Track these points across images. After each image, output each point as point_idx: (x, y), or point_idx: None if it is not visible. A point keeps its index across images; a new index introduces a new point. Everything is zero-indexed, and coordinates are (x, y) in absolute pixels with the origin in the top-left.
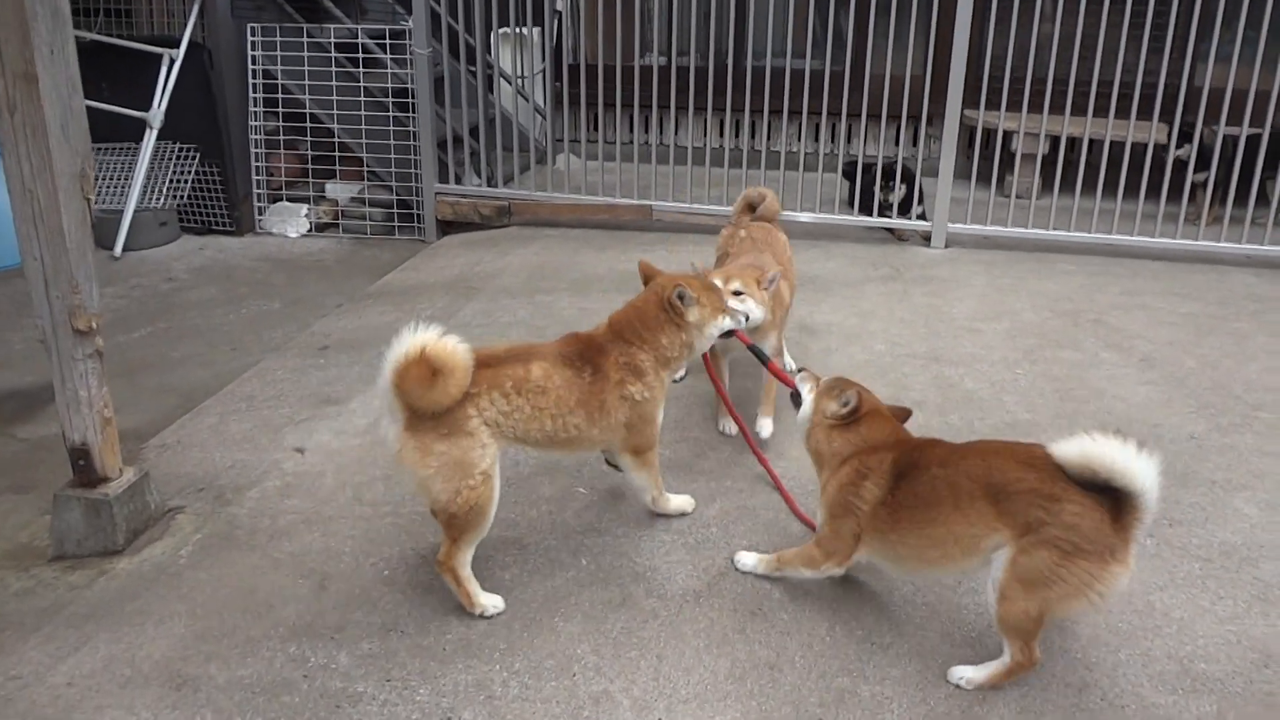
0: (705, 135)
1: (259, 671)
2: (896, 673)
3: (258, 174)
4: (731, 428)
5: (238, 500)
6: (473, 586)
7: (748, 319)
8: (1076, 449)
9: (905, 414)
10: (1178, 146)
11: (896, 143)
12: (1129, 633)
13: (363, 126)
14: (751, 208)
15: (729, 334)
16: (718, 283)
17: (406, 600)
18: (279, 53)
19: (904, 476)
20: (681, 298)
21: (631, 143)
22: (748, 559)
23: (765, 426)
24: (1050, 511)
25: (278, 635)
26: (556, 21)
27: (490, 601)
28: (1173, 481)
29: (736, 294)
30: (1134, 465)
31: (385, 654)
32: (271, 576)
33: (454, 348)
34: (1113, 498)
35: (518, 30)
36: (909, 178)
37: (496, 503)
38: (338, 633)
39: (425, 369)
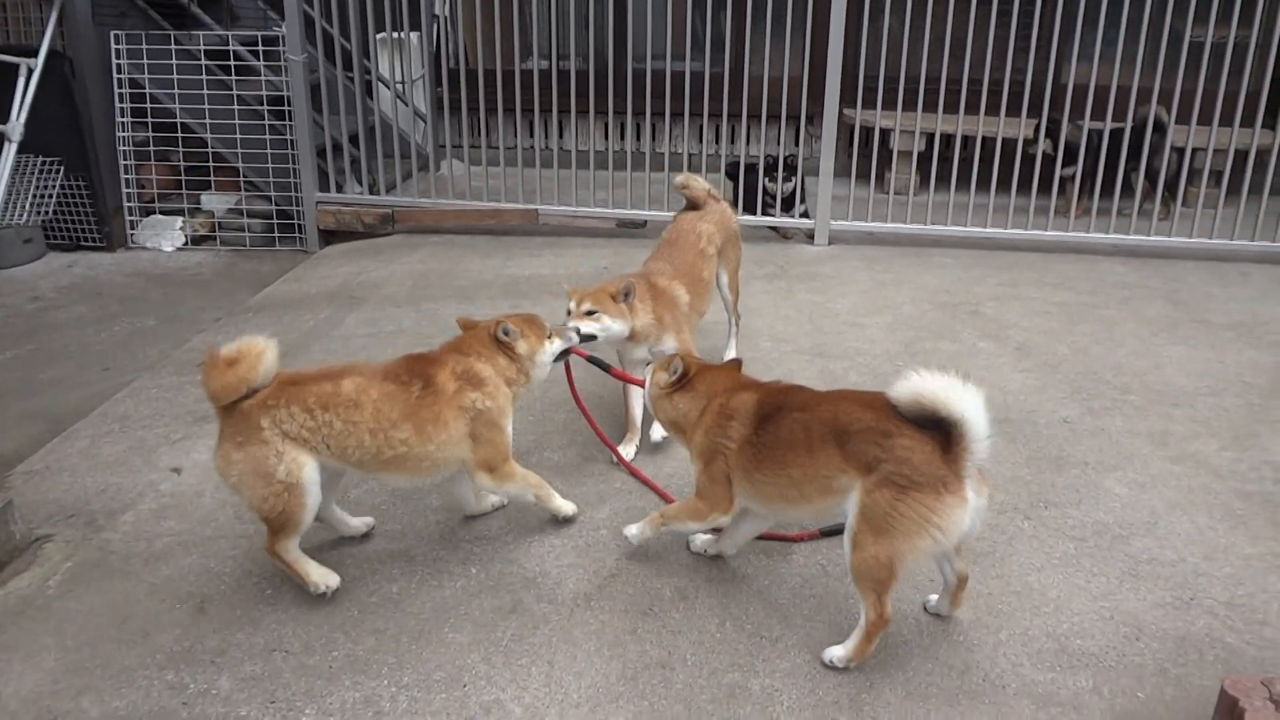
0: (590, 138)
1: (135, 702)
2: (786, 665)
3: (128, 186)
4: (657, 433)
5: (110, 525)
6: (303, 566)
7: (595, 336)
8: (906, 387)
9: (736, 364)
10: (1038, 142)
11: (779, 142)
12: (1008, 613)
13: (238, 135)
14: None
15: (565, 353)
16: (571, 304)
17: (291, 619)
18: (145, 61)
19: (768, 419)
20: (506, 333)
21: (515, 147)
22: (633, 528)
23: (656, 430)
24: (884, 448)
25: (154, 663)
26: (436, 26)
27: (322, 577)
28: (1047, 465)
29: (589, 313)
30: (957, 396)
31: (269, 675)
32: (147, 603)
33: (251, 344)
34: (943, 432)
35: (396, 35)
36: (797, 172)
37: (311, 510)
38: (218, 656)
39: (218, 362)
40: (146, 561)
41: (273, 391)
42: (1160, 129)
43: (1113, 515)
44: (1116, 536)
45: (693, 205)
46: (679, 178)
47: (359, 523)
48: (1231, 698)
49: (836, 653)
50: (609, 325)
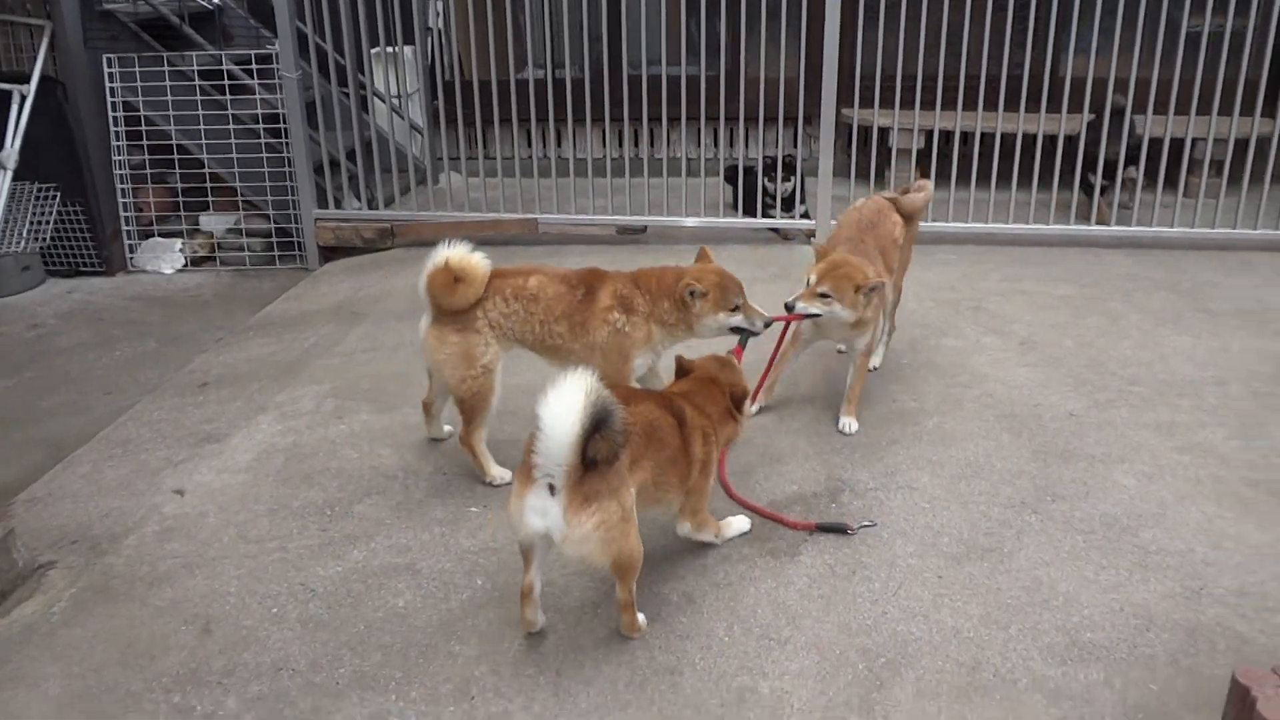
0: (588, 146)
1: None
2: (795, 667)
3: (126, 210)
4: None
5: (114, 550)
6: (486, 460)
7: (818, 315)
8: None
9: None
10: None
11: (777, 144)
12: (1018, 608)
13: (234, 155)
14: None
15: (743, 333)
16: (811, 276)
17: (297, 637)
18: (139, 83)
19: None
20: (692, 294)
21: (513, 157)
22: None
23: (848, 424)
24: None
25: (160, 686)
26: (431, 39)
27: (499, 473)
28: (1054, 459)
29: (822, 295)
30: (543, 404)
31: (275, 694)
32: (152, 626)
33: (474, 259)
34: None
35: (391, 50)
36: (796, 172)
37: (496, 398)
38: (225, 677)
39: (448, 275)
40: (150, 585)
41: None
42: (1119, 114)
43: (1121, 507)
44: (1125, 528)
45: (902, 207)
46: (921, 180)
47: (449, 429)
48: (1243, 687)
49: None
50: (837, 313)
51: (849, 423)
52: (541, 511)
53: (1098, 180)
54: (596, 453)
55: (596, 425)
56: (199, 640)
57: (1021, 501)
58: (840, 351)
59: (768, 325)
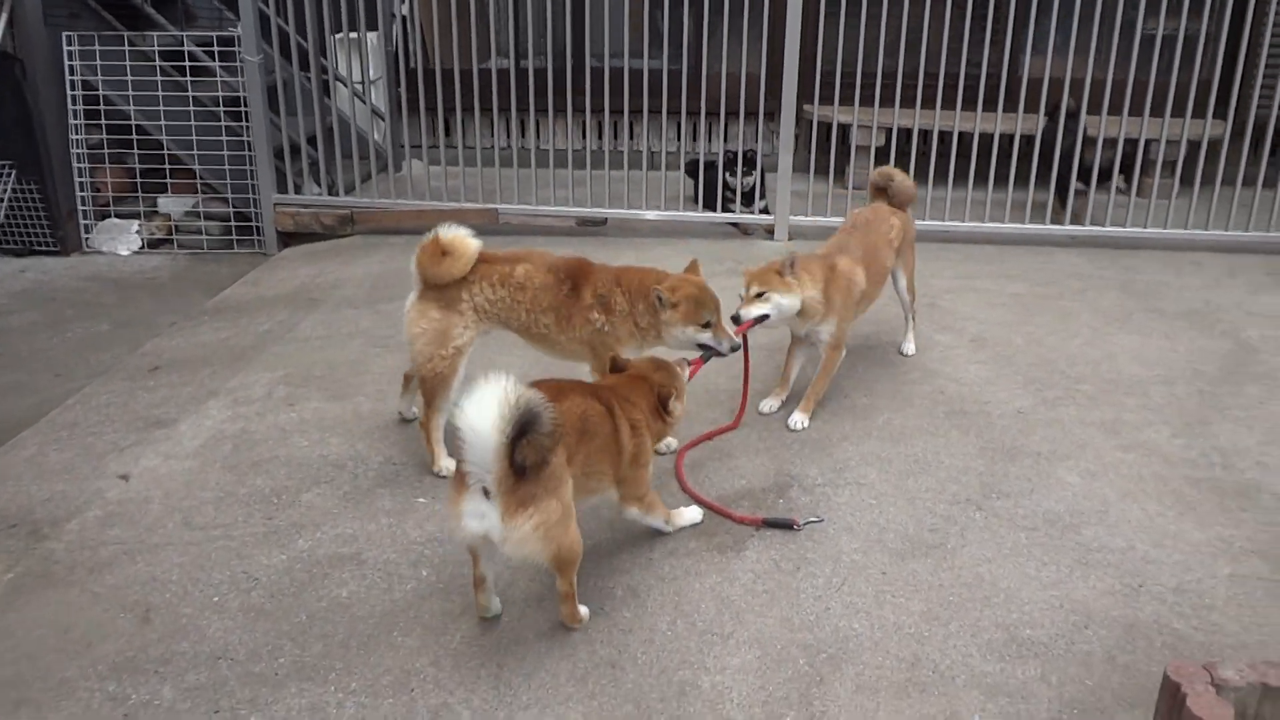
0: (550, 137)
1: (74, 714)
2: (736, 662)
3: (82, 190)
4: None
5: (55, 535)
6: (438, 449)
7: (768, 316)
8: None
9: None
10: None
11: (740, 138)
12: (959, 604)
13: (194, 137)
14: (882, 190)
15: (708, 351)
16: (743, 290)
17: (238, 626)
18: (99, 62)
19: None
20: (660, 299)
21: (475, 147)
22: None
23: (799, 421)
24: None
25: (95, 674)
26: (396, 25)
27: (448, 464)
28: (1000, 456)
29: (758, 295)
30: (462, 409)
31: (213, 684)
32: (90, 612)
33: (463, 236)
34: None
35: (355, 36)
36: (756, 166)
37: (459, 382)
38: (162, 666)
39: (437, 248)
40: (91, 571)
41: (472, 269)
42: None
43: (1064, 504)
44: (1067, 525)
45: (892, 200)
46: (883, 170)
47: (417, 413)
48: (1174, 684)
49: None
50: (779, 302)
51: (801, 420)
52: (479, 515)
53: (1074, 182)
54: (525, 458)
55: (521, 431)
56: (138, 628)
57: (967, 498)
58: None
59: (734, 350)
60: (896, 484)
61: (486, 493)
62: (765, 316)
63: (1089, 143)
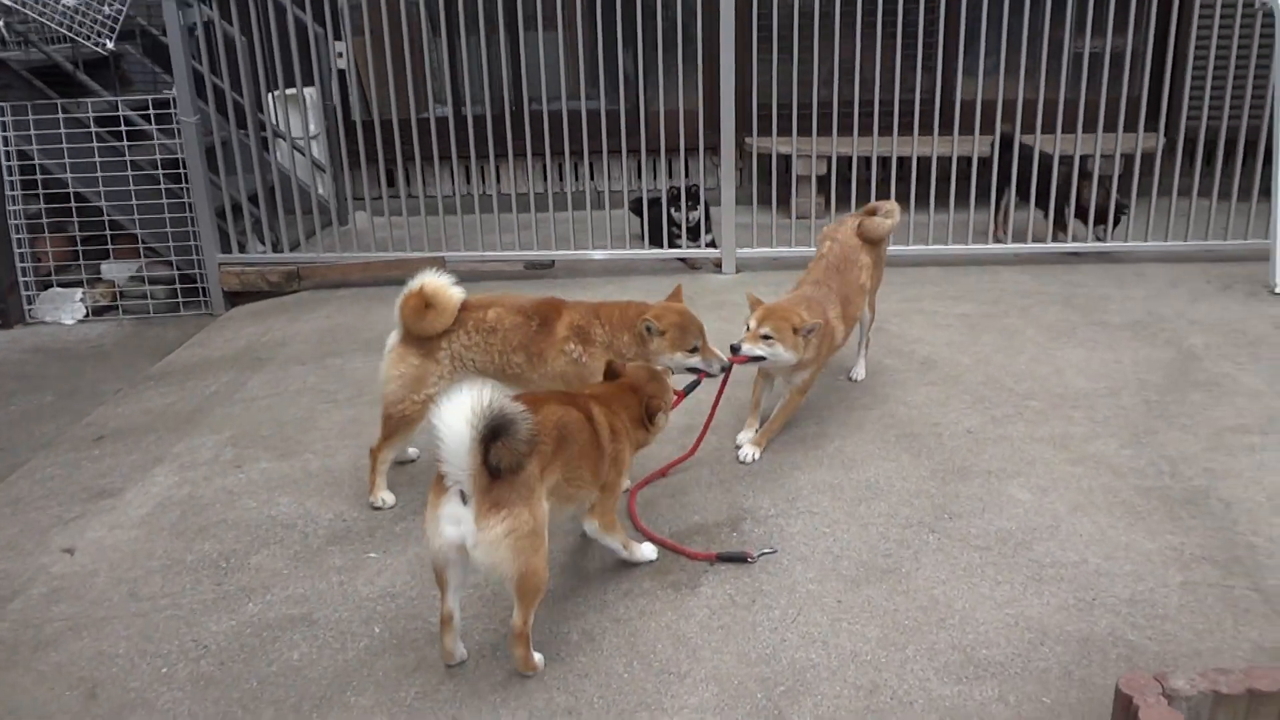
0: (495, 182)
1: None
2: (694, 700)
3: (23, 261)
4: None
5: None
6: (379, 479)
7: (763, 358)
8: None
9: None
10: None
11: (686, 174)
12: (915, 628)
13: (134, 201)
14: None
15: (696, 378)
16: (751, 321)
17: (187, 697)
18: (33, 132)
19: None
20: (648, 329)
21: (418, 196)
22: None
23: (750, 454)
24: None
25: None
26: (339, 79)
27: (385, 498)
28: (951, 476)
29: (765, 337)
30: (437, 415)
31: None
32: (35, 692)
33: (446, 287)
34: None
35: (292, 92)
36: (700, 201)
37: (419, 425)
38: None
39: (420, 301)
40: (35, 649)
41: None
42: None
43: (1015, 521)
44: (1020, 543)
45: (866, 233)
46: (891, 204)
47: (414, 451)
48: (1126, 696)
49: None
50: (780, 355)
51: (752, 452)
52: (455, 519)
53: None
54: (499, 460)
55: (495, 432)
56: (84, 705)
57: (919, 521)
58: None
59: (724, 370)
60: (849, 510)
61: (463, 498)
62: (762, 359)
63: (1085, 177)
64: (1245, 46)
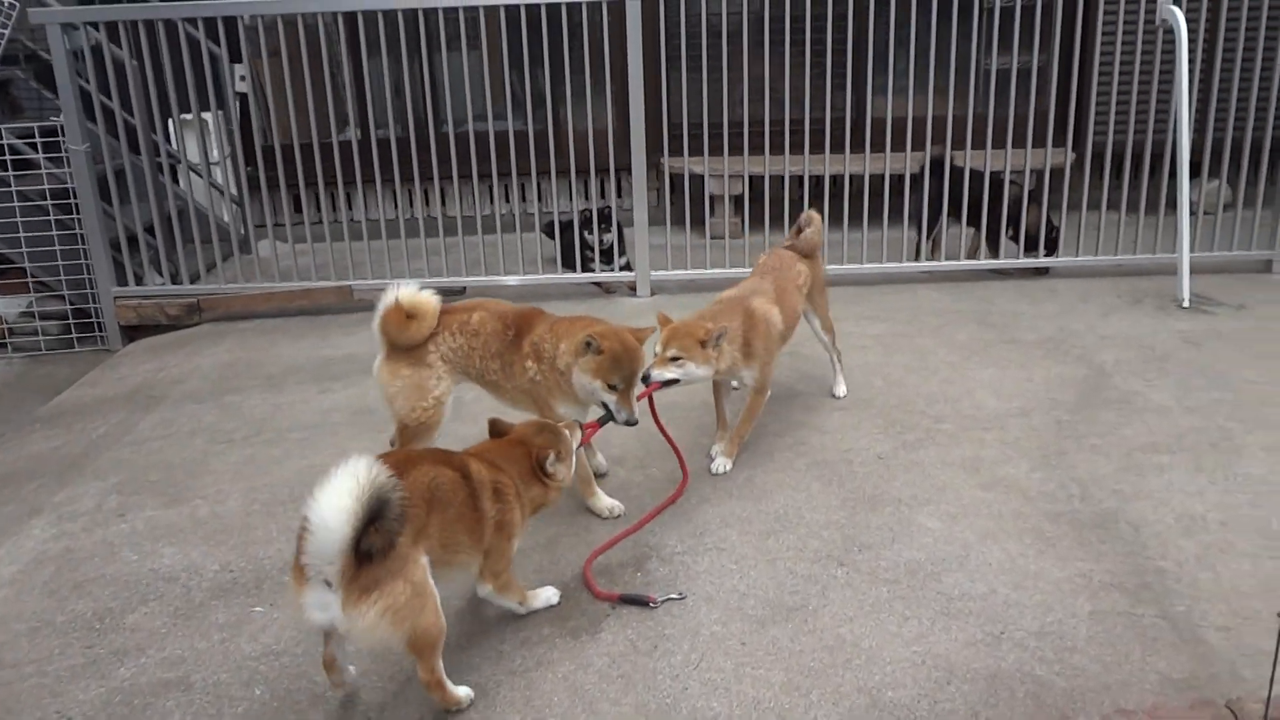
0: (408, 206)
1: None
2: None
3: None
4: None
5: None
6: None
7: (677, 380)
8: None
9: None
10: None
11: (602, 194)
12: (820, 671)
13: (21, 234)
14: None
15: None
16: (657, 347)
17: None
18: None
19: None
20: (589, 344)
21: (321, 222)
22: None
23: (721, 465)
24: None
25: None
26: (240, 103)
27: None
28: (862, 505)
29: (674, 359)
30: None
31: None
32: None
33: (424, 297)
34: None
35: (194, 117)
36: (616, 224)
37: (440, 426)
38: None
39: (400, 313)
40: None
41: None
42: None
43: (925, 552)
44: (929, 574)
45: (800, 248)
46: (809, 213)
47: None
48: None
49: None
50: (692, 373)
51: (723, 464)
52: (322, 606)
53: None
54: (371, 546)
55: (371, 519)
56: None
57: (828, 554)
58: (735, 388)
59: (629, 424)
60: (757, 545)
61: (328, 584)
62: (675, 381)
63: (1016, 201)
64: (1148, 63)
